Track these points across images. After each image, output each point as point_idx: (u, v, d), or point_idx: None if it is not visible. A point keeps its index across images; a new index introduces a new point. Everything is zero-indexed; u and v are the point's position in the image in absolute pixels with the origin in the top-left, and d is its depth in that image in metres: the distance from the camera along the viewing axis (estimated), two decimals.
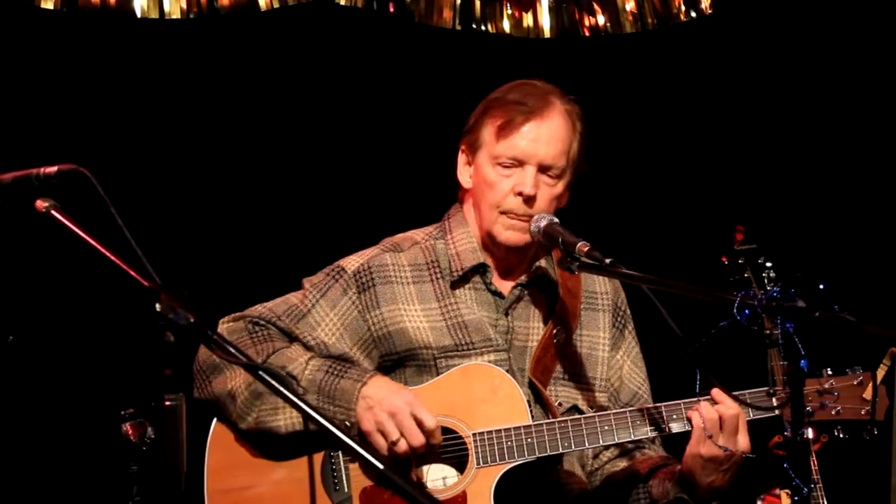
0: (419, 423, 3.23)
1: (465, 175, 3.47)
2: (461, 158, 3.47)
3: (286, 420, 3.30)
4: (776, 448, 4.47)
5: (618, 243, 3.45)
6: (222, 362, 3.35)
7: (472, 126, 3.45)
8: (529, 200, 3.35)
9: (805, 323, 2.80)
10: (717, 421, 3.21)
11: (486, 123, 3.41)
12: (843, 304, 2.77)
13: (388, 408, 3.24)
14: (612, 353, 3.54)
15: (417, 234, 3.54)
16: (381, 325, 3.40)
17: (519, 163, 3.36)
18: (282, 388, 2.39)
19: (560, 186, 3.41)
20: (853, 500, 4.71)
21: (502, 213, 3.37)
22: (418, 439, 3.23)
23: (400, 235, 3.54)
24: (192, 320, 2.38)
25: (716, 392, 3.23)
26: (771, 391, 3.25)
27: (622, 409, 3.34)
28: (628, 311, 3.59)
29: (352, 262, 3.46)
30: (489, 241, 3.44)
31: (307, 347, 3.38)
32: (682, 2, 5.64)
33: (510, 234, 3.39)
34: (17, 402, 4.51)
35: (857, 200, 5.60)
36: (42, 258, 4.54)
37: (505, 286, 3.47)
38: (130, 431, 3.62)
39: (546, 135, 3.37)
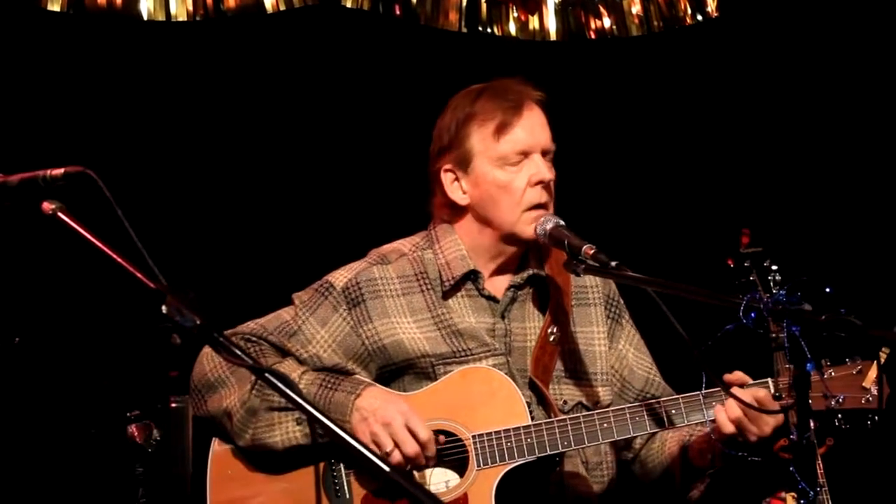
0: (413, 434, 3.24)
1: (457, 193, 3.44)
2: (446, 178, 3.44)
3: (282, 436, 3.31)
4: (782, 451, 4.46)
5: (623, 246, 3.44)
6: (217, 380, 3.37)
7: (451, 142, 3.43)
8: (548, 186, 3.38)
9: (811, 326, 2.79)
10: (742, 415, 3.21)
11: (473, 133, 3.41)
12: (849, 308, 2.76)
13: (382, 418, 3.25)
14: (613, 345, 3.54)
15: (404, 245, 3.53)
16: (376, 338, 3.40)
17: (524, 155, 3.38)
18: (287, 390, 2.39)
19: (553, 169, 3.43)
20: (859, 503, 4.70)
21: (524, 210, 3.37)
22: (412, 449, 3.24)
23: (387, 247, 3.53)
24: (198, 323, 2.39)
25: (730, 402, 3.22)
26: (776, 394, 3.25)
27: (621, 407, 3.34)
28: (621, 301, 3.59)
29: (340, 278, 3.45)
30: (512, 242, 3.42)
31: (300, 361, 3.39)
32: (688, 5, 5.64)
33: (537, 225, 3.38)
34: (23, 403, 4.51)
35: (863, 203, 5.59)
36: (48, 260, 4.54)
37: (498, 289, 3.47)
38: (136, 433, 3.61)
39: (538, 121, 3.43)
